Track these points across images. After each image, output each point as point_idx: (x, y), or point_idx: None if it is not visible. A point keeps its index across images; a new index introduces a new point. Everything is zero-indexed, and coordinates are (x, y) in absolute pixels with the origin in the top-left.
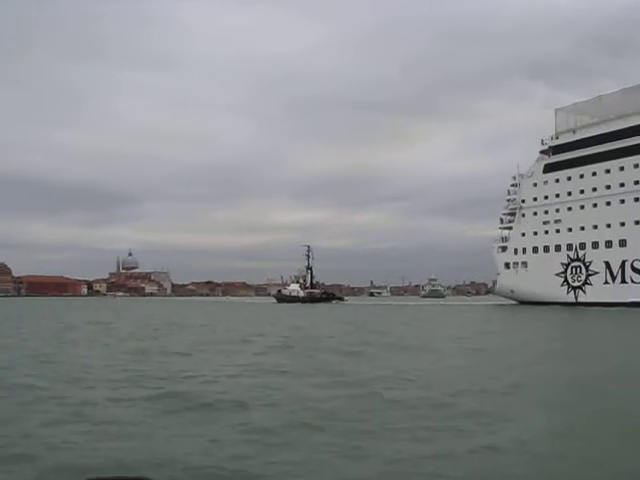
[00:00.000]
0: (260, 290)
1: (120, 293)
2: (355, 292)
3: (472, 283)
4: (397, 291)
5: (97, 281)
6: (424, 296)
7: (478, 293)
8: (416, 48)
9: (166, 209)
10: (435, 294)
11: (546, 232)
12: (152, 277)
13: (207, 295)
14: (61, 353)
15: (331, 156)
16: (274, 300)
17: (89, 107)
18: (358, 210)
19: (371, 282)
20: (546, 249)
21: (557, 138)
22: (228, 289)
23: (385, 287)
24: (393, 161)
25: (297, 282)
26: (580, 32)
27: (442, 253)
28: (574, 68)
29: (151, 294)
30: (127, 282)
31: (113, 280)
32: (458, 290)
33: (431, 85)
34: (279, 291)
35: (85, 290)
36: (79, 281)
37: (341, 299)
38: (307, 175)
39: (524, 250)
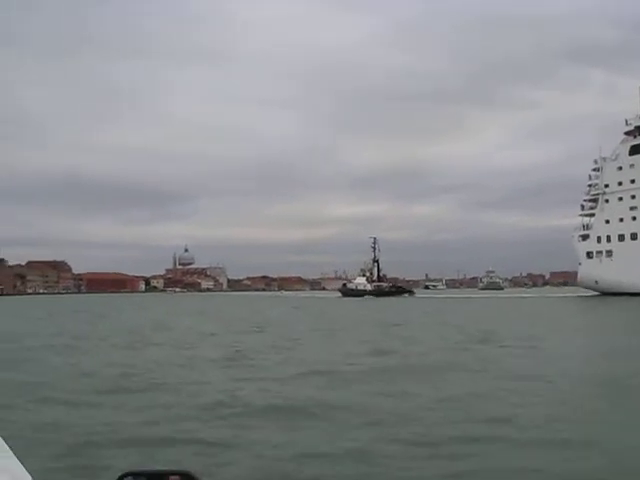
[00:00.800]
0: (315, 284)
1: (177, 289)
2: (410, 285)
3: (529, 275)
4: (452, 284)
5: (154, 277)
6: (482, 288)
7: (535, 285)
8: (465, 36)
9: (219, 205)
10: (493, 286)
11: (633, 218)
12: (208, 272)
13: (263, 290)
14: None
15: (383, 148)
16: (338, 294)
17: (139, 106)
18: (413, 202)
19: (426, 275)
20: (634, 236)
21: None
22: (283, 284)
23: (440, 280)
24: (446, 153)
25: (363, 275)
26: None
27: (497, 244)
28: (632, 53)
29: (207, 289)
30: (183, 278)
31: (170, 276)
32: (515, 282)
33: (482, 74)
34: (344, 285)
35: (143, 286)
36: (136, 277)
37: (411, 292)
38: (360, 168)
39: (608, 238)
